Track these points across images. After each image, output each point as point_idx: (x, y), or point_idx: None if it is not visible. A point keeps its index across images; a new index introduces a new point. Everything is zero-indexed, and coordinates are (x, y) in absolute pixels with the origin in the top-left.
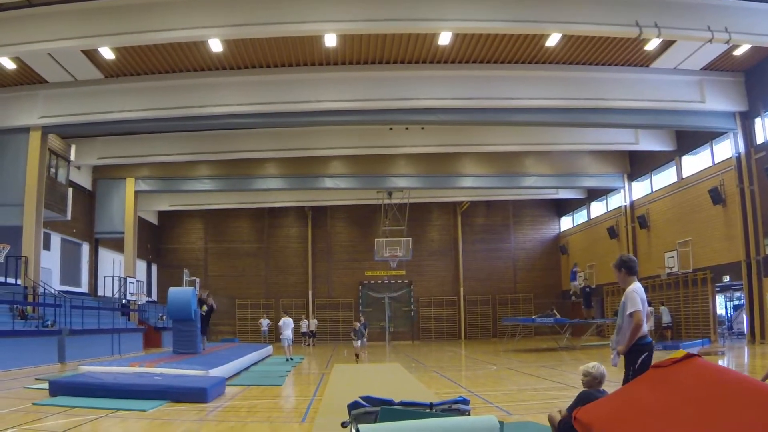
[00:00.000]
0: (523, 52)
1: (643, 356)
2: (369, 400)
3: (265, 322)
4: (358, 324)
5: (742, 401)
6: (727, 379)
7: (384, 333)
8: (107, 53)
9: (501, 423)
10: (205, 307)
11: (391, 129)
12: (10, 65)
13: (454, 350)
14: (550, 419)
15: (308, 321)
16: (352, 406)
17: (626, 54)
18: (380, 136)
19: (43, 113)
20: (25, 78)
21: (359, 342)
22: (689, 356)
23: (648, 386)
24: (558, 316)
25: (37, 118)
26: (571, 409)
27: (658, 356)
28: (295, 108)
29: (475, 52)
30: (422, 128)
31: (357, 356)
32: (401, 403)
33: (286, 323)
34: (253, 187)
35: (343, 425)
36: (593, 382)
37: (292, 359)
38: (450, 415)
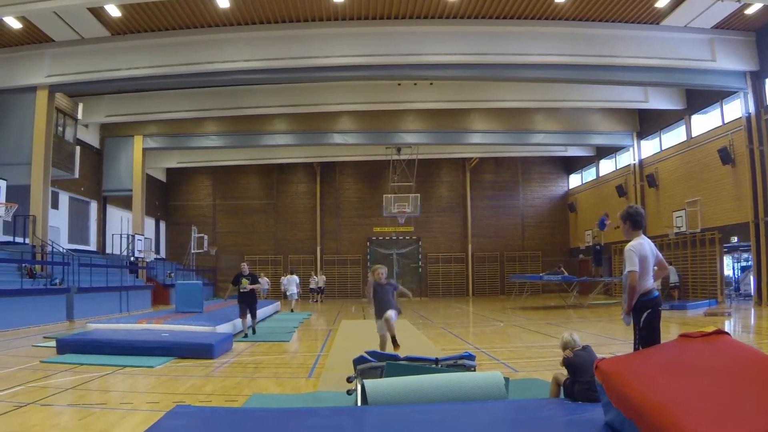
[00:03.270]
0: (532, 7)
1: (646, 313)
2: (374, 355)
3: (284, 281)
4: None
5: None
6: (757, 359)
7: None
8: (113, 10)
9: (506, 379)
10: (246, 282)
11: (399, 84)
12: (16, 24)
13: (461, 307)
14: (556, 378)
15: (317, 277)
16: (358, 361)
17: (637, 11)
18: (389, 91)
19: (50, 72)
20: (32, 37)
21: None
22: (719, 332)
23: (674, 351)
24: (566, 273)
25: (43, 77)
26: (570, 373)
27: (664, 316)
28: (303, 63)
29: (484, 7)
30: (431, 84)
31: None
32: (407, 359)
33: (291, 280)
34: (261, 144)
35: (349, 380)
36: (572, 346)
37: (292, 312)
38: (455, 371)
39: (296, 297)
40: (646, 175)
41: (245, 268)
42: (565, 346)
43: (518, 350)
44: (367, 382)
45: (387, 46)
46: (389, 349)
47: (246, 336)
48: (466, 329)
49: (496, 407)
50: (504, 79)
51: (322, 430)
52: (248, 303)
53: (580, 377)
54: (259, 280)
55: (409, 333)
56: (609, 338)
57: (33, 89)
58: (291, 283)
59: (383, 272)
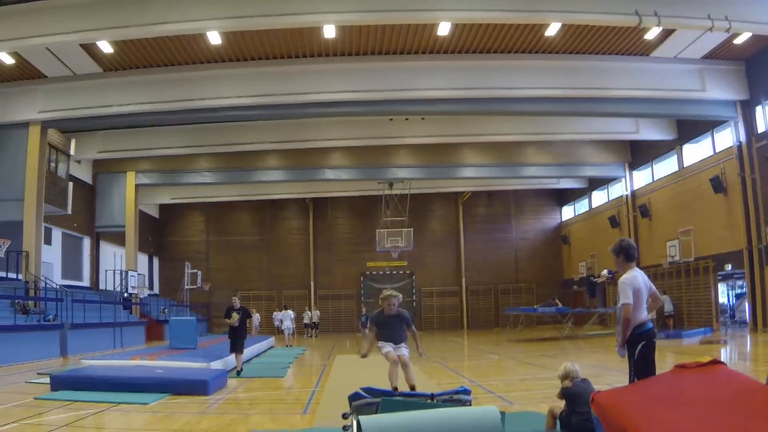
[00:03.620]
0: (522, 41)
1: (640, 345)
2: (370, 391)
3: (277, 316)
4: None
5: (766, 411)
6: (753, 388)
7: None
8: (106, 47)
9: (502, 413)
10: (236, 316)
11: (391, 120)
12: (8, 60)
13: (456, 340)
14: (552, 411)
15: (311, 312)
16: (353, 397)
17: (626, 43)
18: (380, 126)
19: (43, 108)
20: (24, 73)
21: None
22: (715, 361)
23: (670, 382)
24: (560, 305)
25: (36, 112)
26: (568, 404)
27: (660, 345)
28: (294, 100)
29: (474, 42)
30: (422, 119)
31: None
32: (402, 394)
33: (286, 315)
34: (254, 179)
35: (344, 416)
36: (573, 377)
37: (290, 347)
38: (451, 406)
39: (291, 331)
40: (638, 205)
41: (236, 301)
42: (566, 376)
43: (514, 383)
44: (363, 418)
45: (378, 81)
46: (401, 383)
47: (237, 374)
48: (462, 363)
49: None
50: (495, 113)
51: None
52: (235, 338)
53: (579, 408)
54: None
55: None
56: (605, 369)
57: (25, 125)
58: (286, 318)
59: (395, 302)
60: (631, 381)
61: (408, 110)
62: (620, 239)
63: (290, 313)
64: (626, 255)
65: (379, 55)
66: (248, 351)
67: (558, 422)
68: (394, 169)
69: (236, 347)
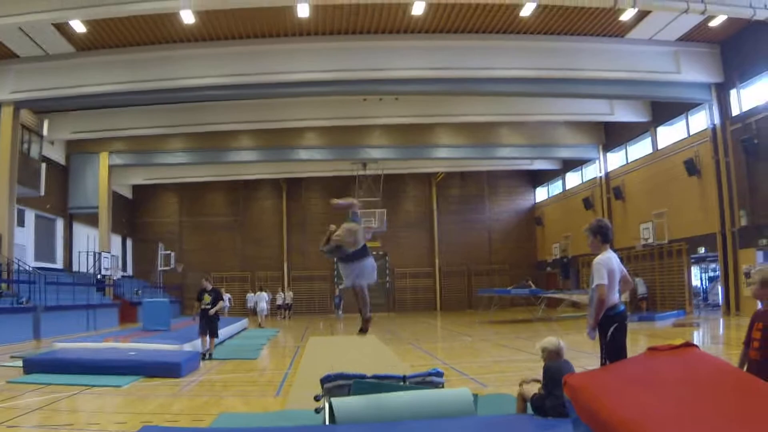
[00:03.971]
0: (497, 21)
1: (612, 327)
2: (341, 377)
3: (251, 297)
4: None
5: (739, 395)
6: (725, 371)
7: None
8: (78, 26)
9: (475, 395)
10: (208, 298)
11: (365, 100)
12: None
13: (429, 322)
14: (523, 394)
15: (284, 294)
16: (325, 379)
17: (601, 24)
18: (354, 107)
19: (15, 88)
20: None
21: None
22: (688, 344)
23: (642, 365)
24: (533, 287)
25: (8, 93)
26: (545, 384)
27: (632, 328)
28: (268, 79)
29: (449, 22)
30: (396, 99)
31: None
32: (374, 377)
33: (261, 296)
34: (227, 160)
35: (317, 398)
36: (552, 356)
37: (263, 328)
38: (423, 388)
39: (266, 313)
40: (612, 187)
41: (207, 283)
42: (557, 352)
43: (487, 365)
44: (335, 400)
45: (352, 61)
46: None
47: (204, 358)
48: (435, 344)
49: (465, 424)
50: (469, 93)
51: None
52: (207, 321)
53: (555, 390)
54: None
55: (376, 349)
56: (577, 351)
57: None
58: (261, 300)
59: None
60: (602, 364)
61: (382, 90)
62: (596, 219)
63: (264, 294)
64: (603, 236)
65: (353, 35)
66: (221, 332)
67: (529, 405)
68: (367, 150)
69: (207, 330)
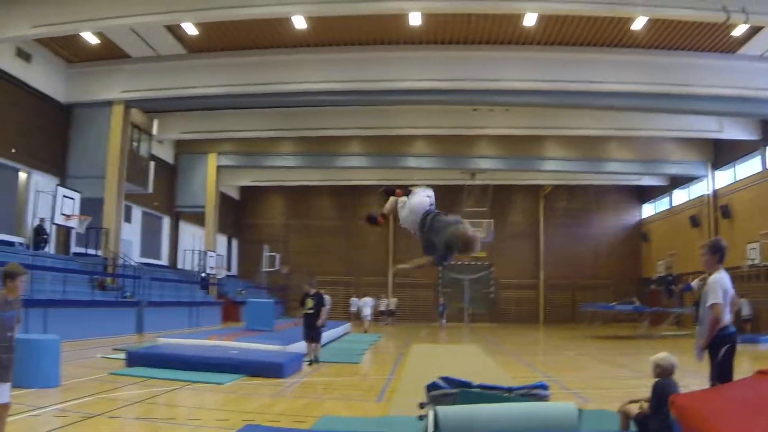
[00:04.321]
0: (608, 35)
1: (724, 348)
2: (448, 381)
3: (355, 302)
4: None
5: None
6: None
7: (463, 314)
8: (190, 29)
9: (580, 410)
10: (310, 303)
11: (475, 110)
12: (93, 40)
13: (532, 334)
14: (626, 412)
15: (387, 300)
16: (431, 387)
17: (713, 39)
18: (464, 116)
19: (126, 88)
20: (109, 53)
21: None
22: None
23: (751, 388)
24: (637, 303)
25: (119, 92)
26: (653, 403)
27: (737, 350)
28: (378, 87)
29: (560, 33)
30: (506, 110)
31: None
32: (480, 386)
33: (366, 302)
34: (335, 165)
35: (421, 406)
36: (664, 373)
37: (366, 332)
38: (529, 401)
39: (370, 318)
40: (720, 205)
41: (309, 288)
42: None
43: (589, 380)
44: (440, 409)
45: (463, 70)
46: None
47: (310, 363)
48: (537, 357)
49: None
50: (579, 107)
51: None
52: (310, 326)
53: (662, 409)
54: (351, 299)
55: (480, 359)
56: (681, 371)
57: (109, 104)
58: (366, 305)
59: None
60: (712, 385)
61: (492, 100)
62: (716, 238)
63: (369, 300)
64: (721, 254)
65: (465, 45)
66: (325, 336)
67: (632, 423)
68: (476, 160)
69: (310, 335)
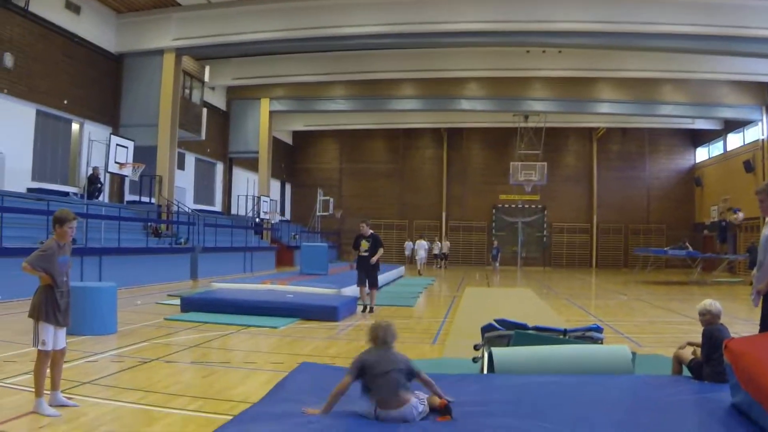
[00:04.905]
0: None
1: None
2: (503, 323)
3: (409, 245)
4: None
5: None
6: None
7: (516, 258)
8: None
9: (633, 354)
10: (365, 245)
11: (528, 52)
12: None
13: (584, 278)
14: (679, 357)
15: (440, 243)
16: (486, 328)
17: None
18: (517, 58)
19: (177, 35)
20: (159, 1)
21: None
22: None
23: None
24: (690, 249)
25: (170, 40)
26: (705, 349)
27: None
28: (431, 29)
29: None
30: (559, 51)
31: None
32: (535, 328)
33: (420, 245)
34: (388, 108)
35: (476, 347)
36: (713, 319)
37: (420, 275)
38: (583, 343)
39: (424, 261)
40: None
41: (365, 228)
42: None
43: (642, 325)
44: (495, 350)
45: (516, 12)
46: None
47: (363, 311)
48: (590, 301)
49: (622, 382)
50: (632, 48)
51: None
52: (366, 270)
53: (715, 354)
54: (405, 243)
55: (533, 302)
56: (732, 317)
57: (160, 52)
58: (420, 248)
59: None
60: (761, 331)
61: (545, 42)
62: None
63: (424, 243)
64: None
65: None
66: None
67: (685, 368)
68: (529, 102)
69: (366, 280)
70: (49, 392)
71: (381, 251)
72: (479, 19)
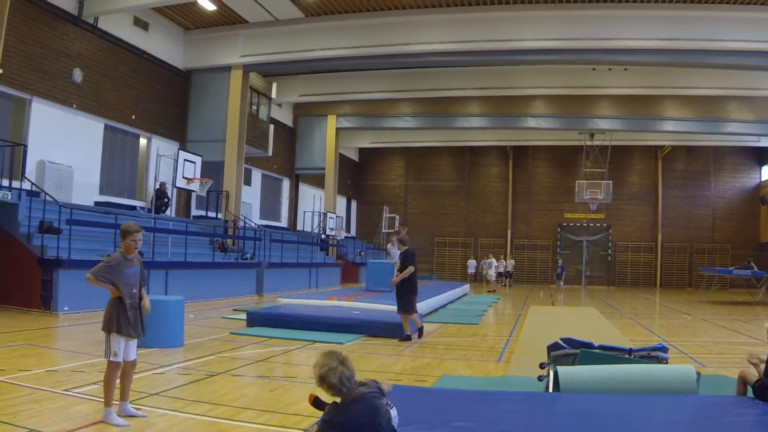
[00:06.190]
0: None
1: None
2: (569, 342)
3: (471, 264)
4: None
5: None
6: None
7: (580, 276)
8: None
9: (698, 374)
10: (398, 263)
11: (594, 69)
12: (210, 6)
13: (649, 297)
14: (744, 377)
15: (505, 261)
16: (552, 347)
17: None
18: (583, 75)
19: (244, 52)
20: (226, 18)
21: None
22: None
23: None
24: (755, 268)
25: (238, 57)
26: (767, 371)
27: None
28: (497, 47)
29: None
30: (625, 69)
31: None
32: (601, 347)
33: (491, 263)
34: (454, 126)
35: (542, 366)
36: None
37: (492, 292)
38: (648, 362)
39: (494, 278)
40: None
41: (402, 244)
42: None
43: (706, 345)
44: (561, 368)
45: (581, 29)
46: None
47: (408, 338)
48: (653, 320)
49: (687, 402)
50: (698, 66)
51: (514, 415)
52: (398, 293)
53: None
54: (468, 261)
55: (597, 322)
56: None
57: (228, 69)
58: (491, 266)
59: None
60: None
61: (610, 60)
62: None
63: (493, 261)
64: None
65: (583, 3)
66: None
67: (750, 389)
68: (595, 120)
69: (400, 305)
70: (118, 402)
71: (409, 269)
72: (545, 37)
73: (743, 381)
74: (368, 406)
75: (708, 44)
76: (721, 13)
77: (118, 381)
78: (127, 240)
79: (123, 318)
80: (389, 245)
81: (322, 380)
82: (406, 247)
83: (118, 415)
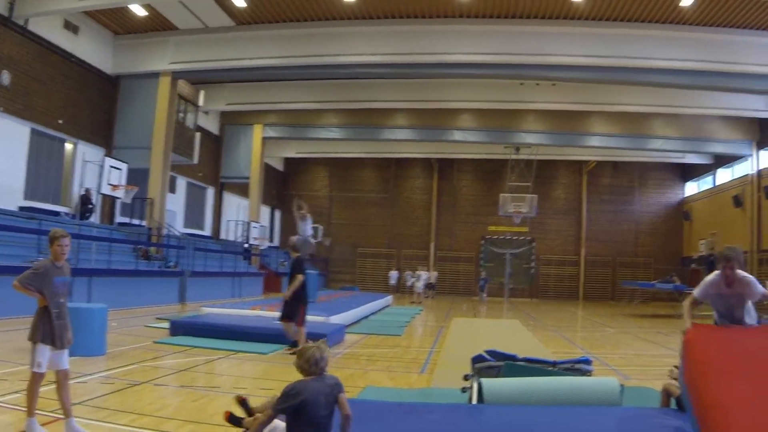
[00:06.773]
0: (657, 11)
1: None
2: (493, 354)
3: (393, 275)
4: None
5: None
6: None
7: (503, 289)
8: (239, 0)
9: (622, 386)
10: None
11: (521, 84)
12: (141, 12)
13: (571, 310)
14: (668, 390)
15: (429, 273)
16: (476, 359)
17: (761, 16)
18: (511, 90)
19: (173, 59)
20: (157, 25)
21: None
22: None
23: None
24: (678, 282)
25: (167, 63)
26: None
27: None
28: (425, 59)
29: (609, 9)
30: (553, 84)
31: None
32: (525, 360)
33: (420, 276)
34: (380, 137)
35: (466, 378)
36: None
37: (420, 304)
38: (572, 375)
39: (421, 291)
40: (764, 186)
41: (293, 251)
42: None
43: (629, 357)
44: (485, 380)
45: (511, 45)
46: None
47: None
48: (576, 333)
49: (611, 414)
50: (626, 83)
51: (439, 426)
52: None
53: None
54: (389, 273)
55: (520, 334)
56: None
57: (156, 75)
58: (420, 279)
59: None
60: None
61: (539, 75)
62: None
63: (423, 273)
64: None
65: (513, 19)
66: (366, 308)
67: (673, 402)
68: (521, 134)
69: (283, 313)
70: (64, 419)
71: (299, 279)
72: (474, 51)
73: (667, 393)
74: (326, 386)
75: (635, 62)
76: (648, 31)
77: (57, 396)
78: (54, 246)
79: (49, 328)
80: (300, 221)
81: (302, 354)
82: (297, 254)
83: None
